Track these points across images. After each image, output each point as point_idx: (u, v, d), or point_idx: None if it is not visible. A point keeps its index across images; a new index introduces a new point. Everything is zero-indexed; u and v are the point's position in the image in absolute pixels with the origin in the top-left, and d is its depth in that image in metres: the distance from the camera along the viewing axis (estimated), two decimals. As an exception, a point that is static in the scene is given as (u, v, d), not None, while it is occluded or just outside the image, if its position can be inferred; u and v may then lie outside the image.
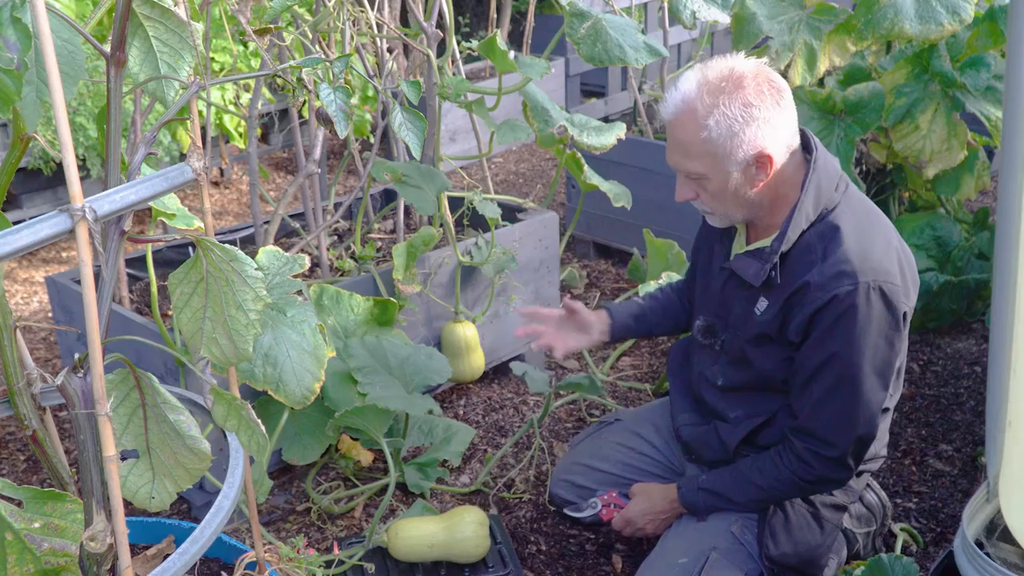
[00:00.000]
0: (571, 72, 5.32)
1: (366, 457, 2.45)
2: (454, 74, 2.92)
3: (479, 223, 2.84)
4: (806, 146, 1.75)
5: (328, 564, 2.00)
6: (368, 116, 4.09)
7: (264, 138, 4.71)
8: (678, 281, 2.20)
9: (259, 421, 1.20)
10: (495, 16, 4.43)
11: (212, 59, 3.95)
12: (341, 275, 2.64)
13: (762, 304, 1.77)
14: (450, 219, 2.65)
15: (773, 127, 1.66)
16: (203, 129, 2.79)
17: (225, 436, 1.37)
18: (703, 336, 1.94)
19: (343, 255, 2.76)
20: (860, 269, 1.65)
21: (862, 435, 1.75)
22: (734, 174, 1.68)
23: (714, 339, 1.91)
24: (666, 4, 3.00)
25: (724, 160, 1.66)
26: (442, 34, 2.64)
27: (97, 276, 1.05)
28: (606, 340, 2.09)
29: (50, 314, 3.26)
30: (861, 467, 1.90)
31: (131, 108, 2.38)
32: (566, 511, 2.09)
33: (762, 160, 1.67)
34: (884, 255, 1.69)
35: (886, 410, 1.87)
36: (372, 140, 3.58)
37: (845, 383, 1.70)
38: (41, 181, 3.70)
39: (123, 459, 1.12)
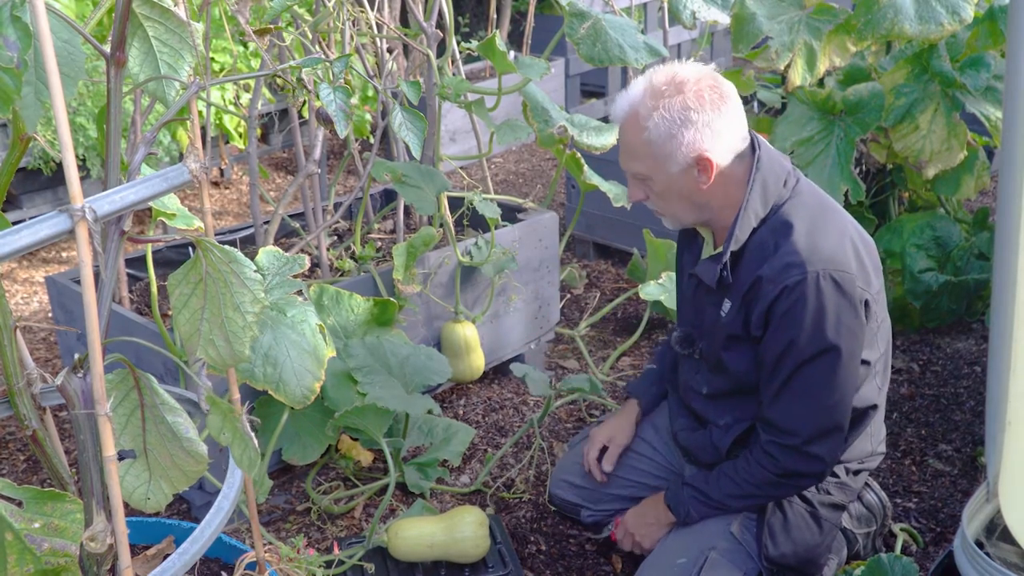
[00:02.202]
0: (571, 72, 5.33)
1: (366, 457, 2.45)
2: (454, 74, 2.92)
3: (479, 223, 2.84)
4: (752, 146, 1.77)
5: (328, 564, 2.00)
6: (368, 116, 4.09)
7: (264, 138, 4.72)
8: None
9: (252, 435, 1.20)
10: (495, 16, 4.43)
11: (212, 59, 3.95)
12: (341, 275, 2.64)
13: (726, 306, 1.79)
14: (450, 219, 2.64)
15: (714, 131, 1.68)
16: (203, 129, 2.80)
17: (225, 436, 1.37)
18: (681, 347, 1.96)
19: (343, 255, 2.76)
20: (808, 259, 1.67)
21: (825, 424, 1.74)
22: (675, 176, 1.72)
23: (692, 348, 1.93)
24: (666, 4, 2.99)
25: (664, 161, 1.70)
26: (442, 34, 2.64)
27: (97, 276, 1.05)
28: (642, 416, 2.19)
29: (50, 314, 3.26)
30: (859, 466, 1.90)
31: (131, 108, 2.38)
32: (587, 525, 2.17)
33: (702, 163, 1.70)
34: (836, 245, 1.71)
35: (875, 406, 1.87)
36: (372, 140, 3.58)
37: (803, 371, 1.71)
38: (41, 181, 3.70)
39: (120, 459, 1.12)
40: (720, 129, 1.69)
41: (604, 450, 2.12)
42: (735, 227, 1.73)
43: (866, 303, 1.73)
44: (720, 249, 1.80)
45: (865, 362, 1.78)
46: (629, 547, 2.02)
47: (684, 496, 1.90)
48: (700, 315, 1.89)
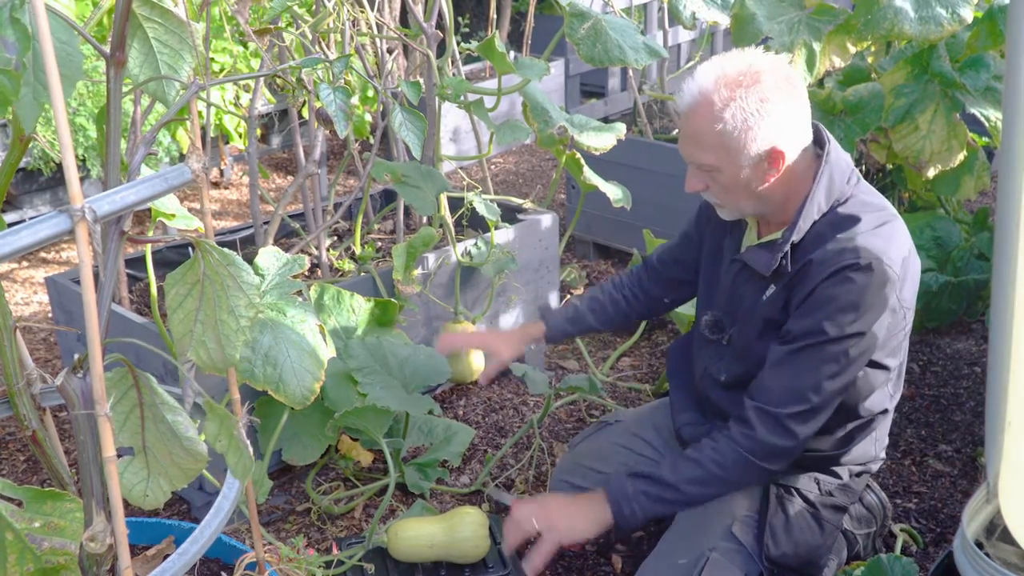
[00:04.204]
0: (571, 72, 5.33)
1: (366, 457, 2.45)
2: (454, 75, 2.93)
3: (479, 223, 2.84)
4: (818, 140, 1.76)
5: (328, 564, 2.00)
6: (368, 117, 4.09)
7: (264, 138, 4.72)
8: (628, 274, 2.21)
9: (248, 442, 1.19)
10: (495, 17, 4.43)
11: (212, 60, 3.95)
12: (341, 275, 2.64)
13: (770, 291, 1.78)
14: (450, 219, 2.64)
15: (787, 123, 1.67)
16: (203, 130, 2.80)
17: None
18: (710, 331, 1.94)
19: (343, 255, 2.76)
20: (863, 247, 1.66)
21: (815, 405, 1.70)
22: (745, 168, 1.69)
23: (722, 334, 1.92)
24: (666, 5, 3.00)
25: (737, 153, 1.67)
26: (442, 35, 2.64)
27: (97, 277, 1.05)
28: (543, 343, 2.14)
29: (50, 314, 3.26)
30: (860, 468, 1.90)
31: (131, 108, 2.38)
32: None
33: (774, 156, 1.68)
34: (892, 247, 1.70)
35: (885, 411, 1.87)
36: (372, 140, 3.58)
37: (819, 348, 1.68)
38: (41, 181, 3.70)
39: (120, 455, 1.12)
40: (793, 121, 1.67)
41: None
42: (799, 218, 1.72)
43: (894, 308, 1.72)
44: (772, 237, 1.79)
45: (885, 368, 1.78)
46: (529, 525, 1.77)
47: (629, 489, 1.76)
48: (737, 301, 1.87)
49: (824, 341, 1.69)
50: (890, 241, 1.70)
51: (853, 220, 1.70)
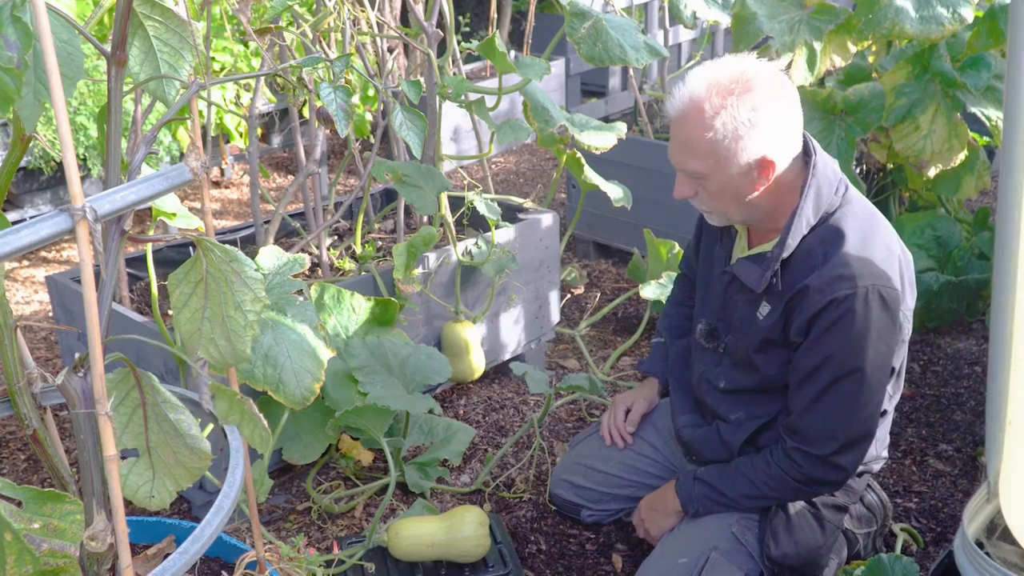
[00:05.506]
0: (571, 72, 5.32)
1: (366, 457, 2.45)
2: (454, 74, 2.93)
3: (479, 223, 2.84)
4: (805, 150, 1.75)
5: (328, 563, 2.01)
6: (368, 116, 4.09)
7: (265, 138, 4.72)
8: (676, 289, 2.23)
9: (261, 415, 1.20)
10: (495, 16, 4.43)
11: (213, 59, 3.95)
12: (341, 275, 2.64)
13: (764, 309, 1.77)
14: (450, 219, 2.64)
15: (778, 133, 1.65)
16: (204, 129, 2.80)
17: (225, 435, 1.37)
18: (705, 340, 1.94)
19: (343, 255, 2.76)
20: (859, 273, 1.65)
21: (854, 437, 1.74)
22: (735, 176, 1.67)
23: (717, 342, 1.92)
24: (666, 4, 3.00)
25: (727, 162, 1.65)
26: (442, 34, 2.64)
27: (97, 276, 1.05)
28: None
29: (50, 314, 3.26)
30: (862, 468, 1.90)
31: (132, 108, 2.38)
32: (587, 525, 2.19)
33: (764, 165, 1.66)
34: (884, 260, 1.69)
35: (884, 412, 1.87)
36: (372, 140, 3.58)
37: (840, 385, 1.70)
38: (41, 181, 3.70)
39: (123, 458, 1.12)
40: (784, 131, 1.66)
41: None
42: (787, 234, 1.71)
43: (904, 323, 1.73)
44: (762, 249, 1.79)
45: None
46: (643, 534, 2.04)
47: (695, 492, 1.90)
48: (729, 311, 1.87)
49: (842, 376, 1.69)
50: (885, 256, 1.70)
51: (842, 237, 1.69)
